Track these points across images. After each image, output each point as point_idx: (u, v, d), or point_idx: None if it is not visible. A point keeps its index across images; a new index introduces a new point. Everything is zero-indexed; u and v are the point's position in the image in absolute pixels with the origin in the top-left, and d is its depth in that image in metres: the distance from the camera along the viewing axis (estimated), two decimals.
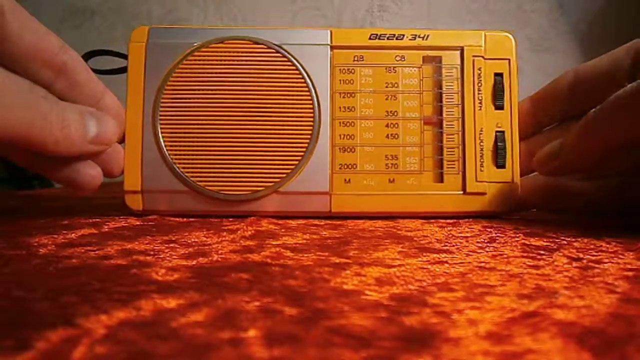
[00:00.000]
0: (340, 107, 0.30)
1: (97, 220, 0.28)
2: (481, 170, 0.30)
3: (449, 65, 0.31)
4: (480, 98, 0.30)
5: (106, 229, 0.25)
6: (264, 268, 0.18)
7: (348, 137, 0.30)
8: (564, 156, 0.26)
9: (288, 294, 0.14)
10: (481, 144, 0.30)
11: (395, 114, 0.30)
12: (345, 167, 0.30)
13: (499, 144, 0.30)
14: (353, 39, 0.31)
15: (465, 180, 0.30)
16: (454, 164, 0.30)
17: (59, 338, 0.11)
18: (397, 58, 0.31)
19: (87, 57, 0.31)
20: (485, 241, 0.22)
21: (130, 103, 0.30)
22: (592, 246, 0.21)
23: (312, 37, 0.30)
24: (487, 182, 0.30)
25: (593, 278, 0.16)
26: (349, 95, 0.30)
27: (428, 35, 0.31)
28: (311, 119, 0.30)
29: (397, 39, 0.31)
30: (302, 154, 0.29)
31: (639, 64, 0.27)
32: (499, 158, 0.30)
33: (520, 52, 0.31)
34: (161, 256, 0.19)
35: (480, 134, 0.30)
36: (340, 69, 0.30)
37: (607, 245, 0.21)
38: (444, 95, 0.31)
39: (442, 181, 0.30)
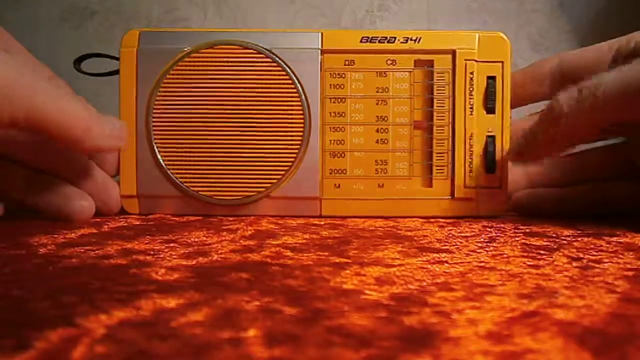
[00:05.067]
0: (330, 113, 0.30)
1: (97, 220, 0.28)
2: (470, 176, 0.30)
3: (440, 70, 0.30)
4: (471, 103, 0.30)
5: (106, 229, 0.25)
6: (264, 268, 0.18)
7: (338, 142, 0.30)
8: (527, 143, 0.27)
9: (288, 293, 0.14)
10: (471, 149, 0.30)
11: (386, 119, 0.30)
12: (335, 172, 0.30)
13: (488, 149, 0.30)
14: (344, 42, 0.30)
15: (453, 185, 0.30)
16: (443, 170, 0.30)
17: (58, 338, 0.11)
18: (388, 62, 0.30)
19: (78, 61, 0.31)
20: (485, 241, 0.22)
21: (124, 108, 0.30)
22: (592, 246, 0.21)
23: (303, 41, 0.30)
24: (475, 187, 0.30)
25: (593, 278, 0.16)
26: (339, 100, 0.30)
27: (420, 38, 0.30)
28: (301, 125, 0.29)
29: (388, 41, 0.30)
30: (292, 159, 0.29)
31: (618, 61, 0.27)
32: (488, 163, 0.30)
33: (521, 51, 0.31)
34: (161, 256, 0.19)
35: (470, 139, 0.30)
36: (330, 74, 0.30)
37: (607, 245, 0.21)
38: (434, 100, 0.30)
39: (431, 186, 0.30)
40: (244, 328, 0.12)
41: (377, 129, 0.30)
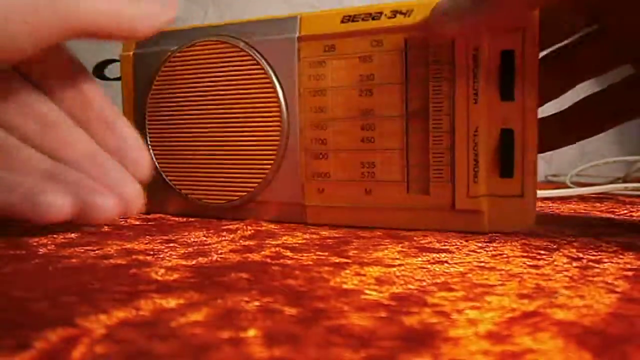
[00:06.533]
0: (311, 108, 0.26)
1: None
2: (475, 182, 0.23)
3: (436, 47, 0.24)
4: (475, 88, 0.23)
5: (106, 229, 0.25)
6: (264, 268, 0.17)
7: (320, 141, 0.26)
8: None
9: (288, 293, 0.14)
10: (475, 147, 0.23)
11: (371, 112, 0.25)
12: (318, 175, 0.26)
13: (504, 146, 0.23)
14: (324, 26, 0.26)
15: (454, 194, 0.24)
16: (442, 173, 0.24)
17: (58, 338, 0.11)
18: (373, 44, 0.25)
19: (101, 66, 0.31)
20: (485, 241, 0.22)
21: (126, 112, 0.30)
22: (592, 246, 0.21)
23: (280, 28, 0.26)
24: (485, 196, 0.24)
25: (593, 278, 0.16)
26: (319, 93, 0.26)
27: (411, 11, 0.24)
28: (279, 123, 0.26)
29: (373, 18, 0.25)
30: (272, 161, 0.27)
31: None
32: (503, 164, 0.23)
33: None
34: (161, 256, 0.19)
35: (474, 134, 0.23)
36: (309, 63, 0.26)
37: (607, 245, 0.21)
38: (430, 86, 0.24)
39: (428, 194, 0.24)
40: (244, 328, 0.12)
41: (362, 125, 0.25)
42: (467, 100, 0.23)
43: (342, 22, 0.25)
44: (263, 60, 0.27)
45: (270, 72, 0.27)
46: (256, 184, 0.27)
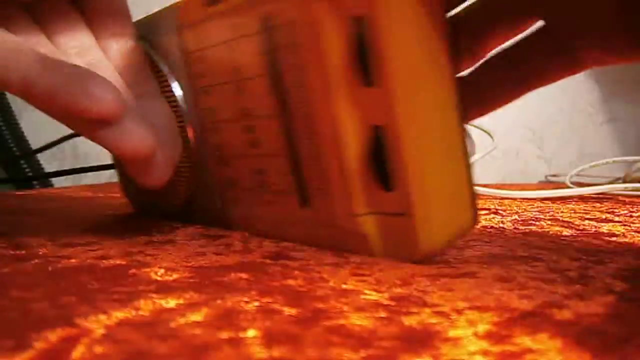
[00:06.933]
0: (204, 109, 0.23)
1: (97, 220, 0.28)
2: (349, 196, 0.18)
3: (286, 25, 0.18)
4: (323, 73, 0.17)
5: (105, 229, 0.25)
6: (264, 268, 0.18)
7: (218, 146, 0.23)
8: None
9: (287, 293, 0.14)
10: (340, 151, 0.18)
11: (250, 112, 0.21)
12: (227, 183, 0.23)
13: (376, 149, 0.17)
14: (195, 12, 0.21)
15: (333, 209, 0.19)
16: (322, 183, 0.19)
17: (57, 338, 0.11)
18: (233, 28, 0.20)
19: None
20: (485, 241, 0.22)
21: None
22: (592, 246, 0.21)
23: (168, 21, 0.23)
24: (368, 214, 0.18)
25: (592, 278, 0.16)
26: (206, 91, 0.22)
27: None
28: (182, 127, 0.24)
29: None
30: (187, 168, 0.25)
31: None
32: (379, 174, 0.17)
33: None
34: (160, 256, 0.19)
35: (340, 134, 0.17)
36: (195, 58, 0.22)
37: (607, 245, 0.21)
38: (289, 75, 0.19)
39: (312, 208, 0.20)
40: (244, 328, 0.12)
41: (244, 126, 0.21)
42: (325, 89, 0.17)
43: (207, 5, 0.21)
44: (162, 61, 0.24)
45: (169, 73, 0.24)
46: (188, 190, 0.26)
